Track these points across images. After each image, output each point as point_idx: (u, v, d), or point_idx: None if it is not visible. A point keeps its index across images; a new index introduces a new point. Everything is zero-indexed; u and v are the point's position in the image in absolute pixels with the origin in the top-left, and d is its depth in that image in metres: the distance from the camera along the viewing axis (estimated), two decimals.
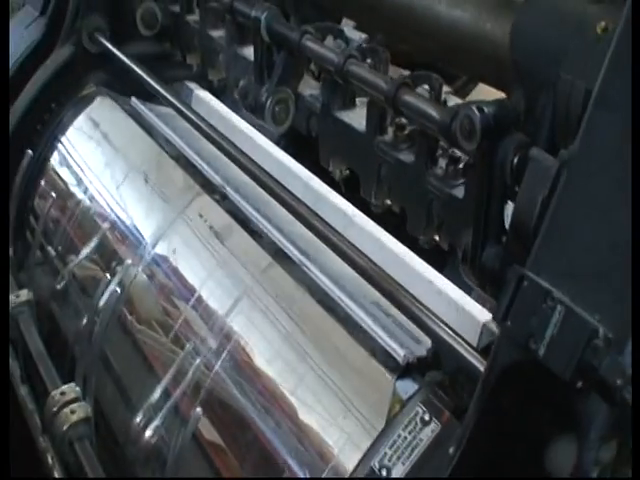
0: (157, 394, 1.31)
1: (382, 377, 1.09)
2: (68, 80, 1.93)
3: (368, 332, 1.14)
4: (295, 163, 1.47)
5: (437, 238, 1.21)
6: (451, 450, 0.91)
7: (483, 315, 1.07)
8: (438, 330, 1.06)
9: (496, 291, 1.03)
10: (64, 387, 1.48)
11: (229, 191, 1.48)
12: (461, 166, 1.15)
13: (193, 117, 1.58)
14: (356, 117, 1.35)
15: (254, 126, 1.59)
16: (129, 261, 1.51)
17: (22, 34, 2.09)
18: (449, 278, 1.17)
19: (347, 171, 1.39)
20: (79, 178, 1.79)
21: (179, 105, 1.62)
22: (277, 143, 1.55)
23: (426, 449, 1.00)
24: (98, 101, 1.90)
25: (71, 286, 1.66)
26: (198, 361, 1.29)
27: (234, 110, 1.67)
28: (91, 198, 1.72)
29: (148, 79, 1.72)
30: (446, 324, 1.06)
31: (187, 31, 1.82)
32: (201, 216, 1.49)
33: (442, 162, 1.18)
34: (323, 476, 1.07)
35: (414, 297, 1.11)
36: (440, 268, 1.20)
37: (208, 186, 1.53)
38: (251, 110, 1.52)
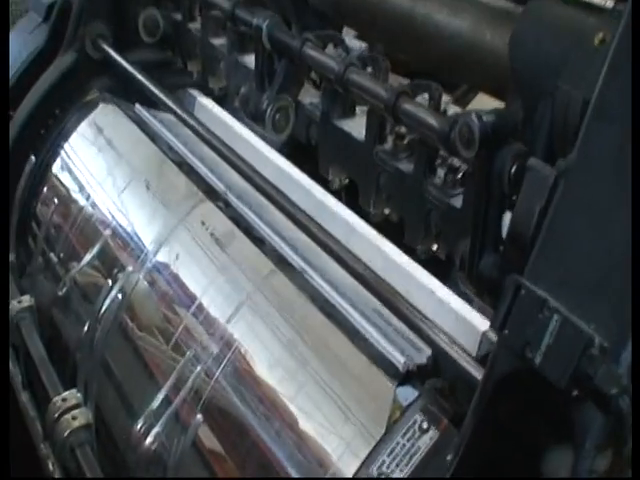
0: (158, 401, 1.32)
1: (382, 384, 1.09)
2: (71, 86, 1.93)
3: (368, 339, 1.14)
4: (297, 171, 1.47)
5: (435, 248, 1.22)
6: (449, 457, 0.92)
7: (483, 324, 1.07)
8: (436, 339, 1.07)
9: (493, 300, 1.04)
10: (65, 393, 1.48)
11: (231, 198, 1.48)
12: (459, 176, 1.16)
13: (195, 124, 1.59)
14: (356, 126, 1.36)
15: (256, 134, 1.60)
16: (130, 268, 1.51)
17: (25, 40, 2.10)
18: (450, 288, 1.18)
19: (346, 180, 1.40)
20: (81, 184, 1.79)
21: (181, 113, 1.63)
22: (280, 151, 1.56)
23: (424, 456, 1.00)
24: (102, 107, 1.90)
25: (73, 292, 1.66)
26: (199, 368, 1.29)
27: (237, 117, 1.67)
28: (93, 205, 1.72)
29: (150, 86, 1.73)
30: (445, 333, 1.07)
31: (188, 39, 1.83)
32: (203, 223, 1.49)
33: (441, 172, 1.19)
34: None
35: (413, 306, 1.11)
36: (442, 277, 1.21)
37: (210, 193, 1.53)
38: (251, 117, 1.53)
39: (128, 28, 1.94)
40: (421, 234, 1.21)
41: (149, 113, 1.78)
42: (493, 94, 1.22)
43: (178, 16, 1.87)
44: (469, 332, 1.08)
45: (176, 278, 1.44)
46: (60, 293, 1.68)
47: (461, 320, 1.10)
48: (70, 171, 1.85)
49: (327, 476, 1.08)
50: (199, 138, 1.58)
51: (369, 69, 1.34)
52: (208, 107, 1.76)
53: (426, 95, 1.23)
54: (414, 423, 1.01)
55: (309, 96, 1.49)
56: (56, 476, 1.47)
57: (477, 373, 1.00)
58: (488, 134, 1.03)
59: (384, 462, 1.01)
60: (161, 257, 1.49)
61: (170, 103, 1.67)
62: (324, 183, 1.44)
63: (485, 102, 1.31)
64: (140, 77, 1.77)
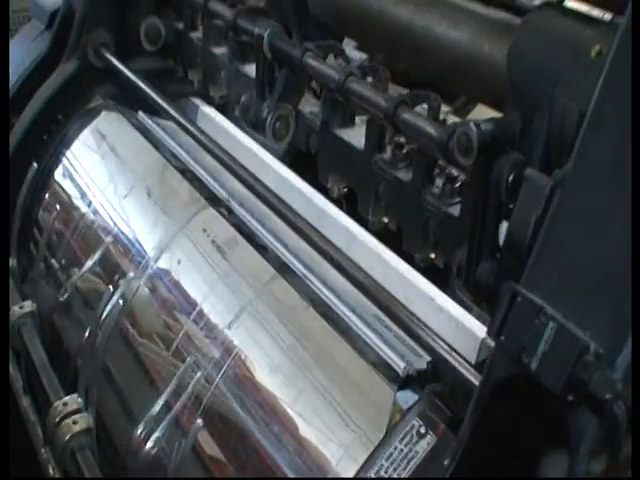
0: (158, 406, 1.32)
1: (382, 389, 1.10)
2: (74, 94, 1.94)
3: (369, 345, 1.15)
4: (299, 179, 1.48)
5: (433, 256, 1.23)
6: (446, 462, 0.93)
7: (482, 331, 1.08)
8: (435, 345, 1.08)
9: (490, 306, 1.05)
10: (66, 398, 1.48)
11: (233, 205, 1.50)
12: (457, 185, 1.18)
13: (197, 133, 1.60)
14: (355, 135, 1.38)
15: (258, 142, 1.61)
16: (132, 274, 1.52)
17: (28, 47, 2.11)
18: (450, 295, 1.19)
19: (345, 189, 1.42)
20: (83, 191, 1.80)
21: (183, 121, 1.64)
22: (281, 160, 1.57)
23: (422, 461, 1.01)
24: (105, 114, 1.91)
25: (74, 298, 1.67)
26: (199, 374, 1.30)
27: (239, 126, 1.68)
28: (95, 211, 1.73)
29: (153, 95, 1.74)
30: (444, 340, 1.08)
31: (190, 47, 1.85)
32: (204, 230, 1.50)
33: (439, 181, 1.21)
34: None
35: (412, 313, 1.13)
36: (441, 285, 1.22)
37: (212, 200, 1.55)
38: (252, 126, 1.54)
39: (130, 36, 1.95)
40: (419, 242, 1.23)
41: (152, 120, 1.80)
42: (492, 105, 1.23)
43: (180, 25, 1.89)
44: (469, 339, 1.09)
45: (177, 285, 1.45)
46: (61, 299, 1.69)
47: (461, 327, 1.12)
48: (72, 178, 1.86)
49: None
50: (201, 146, 1.59)
51: (369, 79, 1.36)
52: (210, 116, 1.77)
53: (425, 105, 1.25)
54: (412, 428, 1.02)
55: (309, 105, 1.50)
56: None
57: (475, 380, 1.01)
58: (486, 142, 1.04)
59: (382, 466, 1.02)
60: (162, 263, 1.50)
61: (172, 111, 1.68)
62: (325, 191, 1.46)
63: (484, 113, 1.32)
64: (143, 85, 1.78)
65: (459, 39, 1.21)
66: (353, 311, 1.21)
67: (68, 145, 1.90)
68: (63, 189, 1.87)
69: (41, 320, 1.72)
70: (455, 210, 1.16)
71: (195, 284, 1.44)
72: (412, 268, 1.25)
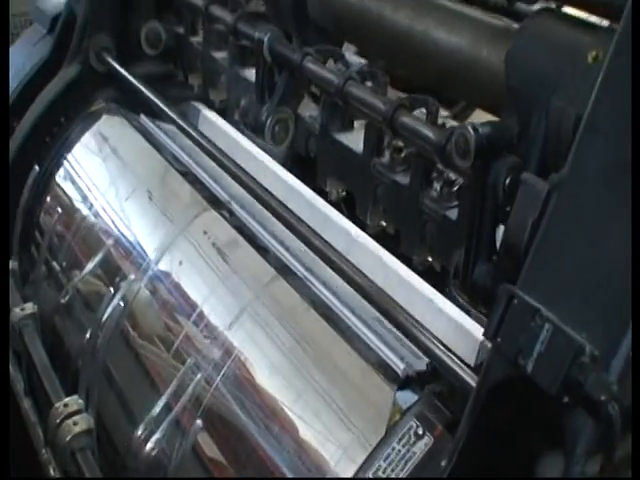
0: (158, 408, 1.33)
1: (381, 390, 1.11)
2: (75, 98, 1.95)
3: (369, 346, 1.16)
4: (300, 183, 1.49)
5: (430, 259, 1.24)
6: (443, 463, 0.94)
7: (481, 333, 1.09)
8: (433, 348, 1.09)
9: (487, 308, 1.06)
10: (67, 399, 1.49)
11: (234, 207, 1.51)
12: (455, 189, 1.19)
13: (198, 137, 1.61)
14: (354, 139, 1.39)
15: (260, 146, 1.61)
16: (132, 276, 1.53)
17: (30, 51, 2.12)
18: (449, 298, 1.19)
19: (343, 192, 1.43)
20: (84, 194, 1.81)
21: (184, 125, 1.65)
22: (282, 163, 1.57)
23: (419, 462, 1.02)
24: (107, 117, 1.92)
25: (75, 300, 1.68)
26: (199, 376, 1.31)
27: (240, 130, 1.69)
28: (96, 214, 1.74)
29: (154, 99, 1.75)
30: (442, 342, 1.09)
31: (190, 52, 1.86)
32: (205, 232, 1.51)
33: (437, 185, 1.22)
34: None
35: (411, 315, 1.13)
36: (440, 288, 1.23)
37: (213, 202, 1.56)
38: (251, 129, 1.56)
39: (131, 41, 1.96)
40: (417, 245, 1.24)
41: (154, 124, 1.81)
42: (490, 110, 1.24)
43: (180, 29, 1.90)
44: (468, 341, 1.09)
45: (177, 287, 1.46)
46: (63, 301, 1.70)
47: (460, 329, 1.12)
48: (73, 181, 1.87)
49: None
50: (202, 150, 1.60)
51: (368, 83, 1.37)
52: (212, 119, 1.77)
53: (424, 110, 1.26)
54: (409, 429, 1.03)
55: (308, 109, 1.52)
56: None
57: (474, 382, 1.01)
58: (483, 145, 1.05)
59: (380, 467, 1.03)
60: (163, 266, 1.51)
61: (173, 115, 1.69)
62: (325, 195, 1.46)
63: (483, 118, 1.32)
64: (144, 90, 1.79)
65: (458, 44, 1.22)
66: (353, 312, 1.22)
67: (70, 148, 1.90)
68: (64, 192, 1.87)
69: (42, 322, 1.73)
70: (453, 214, 1.17)
71: (195, 286, 1.45)
72: (412, 271, 1.26)
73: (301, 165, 1.53)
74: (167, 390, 1.34)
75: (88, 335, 1.56)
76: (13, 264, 1.87)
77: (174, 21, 1.93)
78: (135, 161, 1.79)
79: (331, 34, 1.53)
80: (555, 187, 0.88)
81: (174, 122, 1.69)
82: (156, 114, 1.80)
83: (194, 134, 1.62)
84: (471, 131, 1.05)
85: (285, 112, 1.50)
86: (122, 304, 1.51)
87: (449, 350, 1.07)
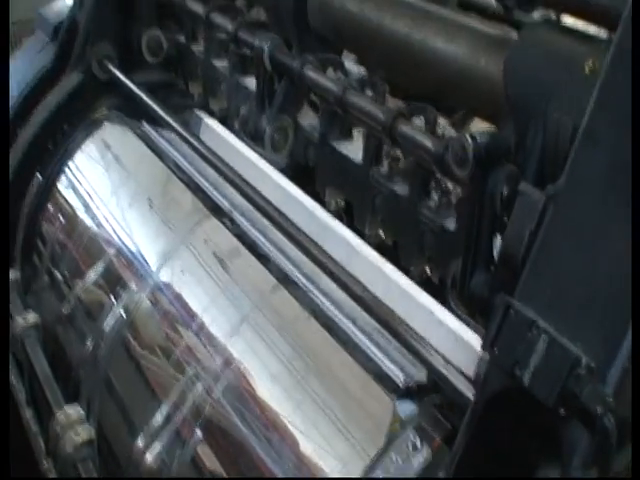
0: (159, 418, 1.34)
1: (381, 400, 1.11)
2: (78, 105, 1.96)
3: (370, 357, 1.16)
4: (301, 192, 1.49)
5: (428, 270, 1.24)
6: (441, 475, 0.94)
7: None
8: (431, 359, 1.09)
9: (484, 318, 1.06)
10: (68, 409, 1.50)
11: (235, 215, 1.51)
12: (453, 199, 1.19)
13: (199, 146, 1.61)
14: (353, 148, 1.39)
15: (261, 155, 1.62)
16: (134, 286, 1.54)
17: (33, 59, 2.13)
18: (449, 309, 1.19)
19: (342, 202, 1.43)
20: (87, 203, 1.82)
21: (185, 134, 1.66)
22: (283, 172, 1.58)
23: (417, 474, 1.02)
24: (110, 124, 1.93)
25: (77, 310, 1.68)
26: (199, 386, 1.31)
27: (242, 139, 1.69)
28: (98, 223, 1.75)
29: (156, 107, 1.76)
30: (440, 354, 1.09)
31: (191, 60, 1.86)
32: (205, 241, 1.52)
33: (435, 195, 1.22)
34: None
35: (410, 327, 1.13)
36: (441, 300, 1.22)
37: (214, 210, 1.57)
38: (251, 137, 1.56)
39: (133, 49, 1.97)
40: (415, 255, 1.24)
41: (155, 131, 1.81)
42: (488, 119, 1.24)
43: (181, 37, 1.90)
44: (468, 353, 1.09)
45: (178, 297, 1.47)
46: (64, 310, 1.70)
47: (460, 341, 1.12)
48: (75, 189, 1.87)
49: None
50: (203, 159, 1.61)
51: (368, 92, 1.37)
52: (213, 128, 1.78)
53: (423, 118, 1.26)
54: (407, 441, 1.03)
55: (308, 118, 1.52)
56: None
57: (471, 394, 1.01)
58: (481, 154, 1.06)
59: (382, 478, 1.03)
60: (164, 276, 1.52)
61: (175, 124, 1.69)
62: (325, 204, 1.47)
63: (482, 127, 1.33)
64: (145, 98, 1.80)
65: (456, 53, 1.22)
66: (354, 323, 1.22)
67: (72, 156, 1.91)
68: (66, 200, 1.88)
69: (44, 331, 1.74)
70: (450, 224, 1.17)
71: (196, 296, 1.45)
72: (412, 282, 1.26)
73: (303, 175, 1.53)
74: (167, 400, 1.34)
75: (89, 345, 1.57)
76: (15, 273, 1.88)
77: (175, 29, 1.93)
78: (137, 169, 1.80)
79: (331, 43, 1.53)
80: (552, 198, 0.89)
81: (175, 131, 1.69)
82: (158, 122, 1.80)
83: (195, 143, 1.63)
84: (469, 140, 1.06)
85: (285, 120, 1.50)
86: (123, 314, 1.52)
87: (447, 362, 1.07)
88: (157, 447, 1.31)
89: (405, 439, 1.03)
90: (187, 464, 1.27)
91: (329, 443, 1.13)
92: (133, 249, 1.62)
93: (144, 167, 1.80)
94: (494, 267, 1.07)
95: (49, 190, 1.91)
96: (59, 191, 1.90)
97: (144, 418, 1.36)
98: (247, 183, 1.48)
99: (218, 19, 1.67)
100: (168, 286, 1.50)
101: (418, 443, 1.02)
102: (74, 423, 1.46)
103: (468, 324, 1.14)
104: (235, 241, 1.48)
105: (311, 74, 1.41)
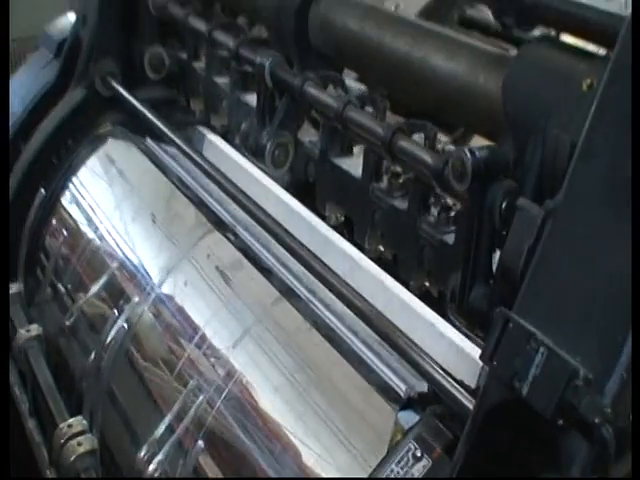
0: (161, 429, 1.34)
1: (383, 411, 1.12)
2: (81, 122, 1.97)
3: (372, 368, 1.17)
4: (303, 207, 1.50)
5: (427, 284, 1.25)
6: None
7: None
8: (432, 371, 1.10)
9: (483, 331, 1.07)
10: (71, 420, 1.51)
11: (238, 230, 1.52)
12: (452, 214, 1.20)
13: (202, 162, 1.63)
14: (353, 164, 1.41)
15: (264, 171, 1.63)
16: (136, 299, 1.55)
17: (37, 75, 2.14)
18: (451, 322, 1.20)
19: (342, 217, 1.44)
20: (90, 217, 1.83)
21: (188, 150, 1.67)
22: (286, 189, 1.59)
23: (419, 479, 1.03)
24: (114, 140, 1.94)
25: (80, 322, 1.69)
26: (201, 398, 1.32)
27: (245, 155, 1.70)
28: (101, 237, 1.76)
29: (159, 124, 1.77)
30: (441, 366, 1.10)
31: (192, 77, 1.88)
32: (208, 256, 1.53)
33: (434, 210, 1.23)
34: None
35: (411, 340, 1.14)
36: (442, 313, 1.23)
37: (217, 224, 1.58)
38: (251, 153, 1.58)
39: (135, 65, 1.98)
40: (414, 270, 1.25)
41: (160, 147, 1.83)
42: (487, 136, 1.25)
43: (183, 55, 1.92)
44: (469, 365, 1.10)
45: (180, 310, 1.48)
46: (67, 323, 1.71)
47: (461, 353, 1.13)
48: (79, 203, 1.89)
49: None
50: (206, 176, 1.62)
51: (368, 109, 1.39)
52: (216, 144, 1.79)
53: (422, 135, 1.28)
54: (408, 451, 1.04)
55: (308, 135, 1.53)
56: None
57: (471, 405, 1.02)
58: (480, 168, 1.07)
59: (385, 478, 1.04)
60: (166, 289, 1.53)
61: (178, 140, 1.71)
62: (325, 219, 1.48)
63: (483, 143, 1.34)
64: (149, 115, 1.81)
65: (455, 71, 1.23)
66: (355, 335, 1.23)
67: (75, 171, 1.93)
68: (70, 214, 1.89)
69: (47, 343, 1.75)
70: (450, 238, 1.19)
71: (198, 309, 1.46)
72: (413, 295, 1.27)
73: (305, 190, 1.55)
74: (170, 412, 1.35)
75: (92, 357, 1.57)
76: (19, 286, 1.89)
77: (177, 47, 1.95)
78: (140, 184, 1.82)
79: (332, 61, 1.55)
80: (550, 213, 0.90)
81: (178, 147, 1.70)
82: (161, 138, 1.82)
83: (198, 159, 1.64)
84: (468, 154, 1.07)
85: (285, 136, 1.52)
86: (126, 326, 1.53)
87: (448, 374, 1.08)
88: (159, 458, 1.32)
89: (406, 449, 1.04)
90: (189, 475, 1.28)
91: (331, 454, 1.14)
92: (136, 262, 1.64)
93: (148, 181, 1.81)
94: (493, 281, 1.08)
95: (53, 204, 1.92)
96: (63, 205, 1.92)
97: (147, 429, 1.37)
98: (249, 198, 1.49)
99: (220, 36, 1.68)
100: (170, 299, 1.51)
101: (419, 453, 1.03)
102: (77, 433, 1.47)
103: (469, 337, 1.16)
104: (237, 255, 1.49)
105: (312, 91, 1.42)
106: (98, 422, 1.52)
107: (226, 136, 1.79)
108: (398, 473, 1.03)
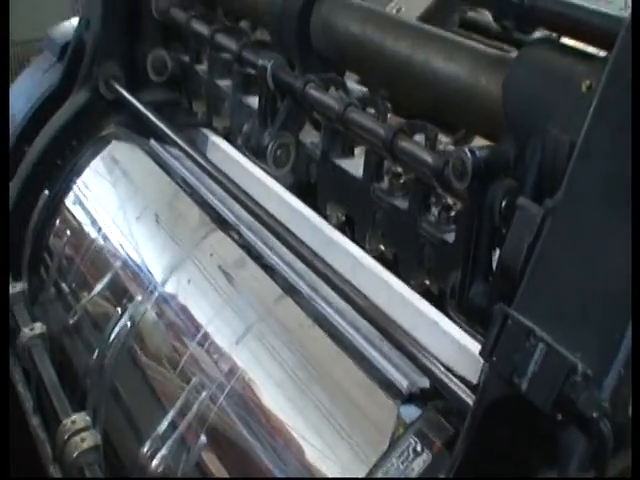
0: (164, 425, 1.35)
1: (385, 406, 1.13)
2: (85, 124, 1.99)
3: (374, 364, 1.18)
4: (307, 208, 1.51)
5: (427, 282, 1.26)
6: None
7: None
8: (432, 367, 1.11)
9: (483, 328, 1.08)
10: (75, 416, 1.52)
11: (241, 228, 1.53)
12: (453, 214, 1.21)
13: (205, 164, 1.64)
14: (354, 165, 1.42)
15: (268, 172, 1.63)
16: (139, 298, 1.56)
17: (41, 78, 2.15)
18: (453, 319, 1.21)
19: (343, 217, 1.45)
20: (93, 217, 1.84)
21: (192, 152, 1.68)
22: (289, 189, 1.59)
23: (418, 478, 1.03)
24: (118, 141, 1.95)
25: (83, 321, 1.70)
26: (203, 394, 1.33)
27: (248, 156, 1.71)
28: (104, 237, 1.77)
29: (162, 126, 1.78)
30: (441, 362, 1.11)
31: (195, 80, 1.89)
32: (211, 255, 1.54)
33: (435, 210, 1.25)
34: None
35: (411, 336, 1.16)
36: (445, 310, 1.24)
37: (220, 223, 1.59)
38: (253, 153, 1.59)
39: (138, 68, 1.99)
40: (415, 269, 1.26)
41: (163, 148, 1.84)
42: (488, 137, 1.26)
43: (186, 58, 1.93)
44: (471, 362, 1.10)
45: (183, 308, 1.49)
46: (71, 321, 1.72)
47: (464, 350, 1.14)
48: (83, 204, 1.90)
49: None
50: (210, 178, 1.63)
51: (370, 110, 1.40)
52: (220, 145, 1.80)
53: (423, 136, 1.29)
54: (408, 446, 1.05)
55: (310, 136, 1.55)
56: None
57: (471, 401, 1.03)
58: (480, 167, 1.08)
59: (382, 478, 1.05)
60: (169, 288, 1.54)
61: (181, 142, 1.72)
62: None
63: (485, 144, 1.35)
64: (152, 117, 1.82)
65: (456, 73, 1.25)
66: (358, 331, 1.24)
67: (79, 172, 1.94)
68: (74, 215, 1.90)
69: (51, 341, 1.76)
70: (450, 237, 1.20)
71: (201, 307, 1.47)
72: (416, 293, 1.28)
73: (308, 191, 1.56)
74: (172, 408, 1.36)
75: (96, 354, 1.58)
76: (23, 285, 1.89)
77: (180, 50, 1.96)
78: (144, 184, 1.83)
79: (334, 64, 1.56)
80: (550, 211, 0.91)
81: (182, 149, 1.72)
82: (165, 140, 1.83)
83: (201, 160, 1.65)
84: (468, 154, 1.08)
85: (287, 137, 1.53)
86: (129, 324, 1.54)
87: (449, 370, 1.09)
88: (162, 453, 1.33)
89: (406, 443, 1.05)
90: (192, 470, 1.29)
91: (332, 449, 1.15)
92: (139, 262, 1.65)
93: (151, 182, 1.82)
94: (493, 278, 1.09)
95: (57, 204, 1.93)
96: (67, 205, 1.93)
97: (150, 425, 1.38)
98: (252, 199, 1.50)
99: (222, 39, 1.69)
100: (173, 297, 1.52)
101: (419, 447, 1.04)
102: (80, 429, 1.47)
103: (471, 334, 1.16)
104: (240, 253, 1.50)
105: (313, 92, 1.43)
106: (101, 418, 1.53)
107: (228, 138, 1.79)
108: (399, 467, 1.04)
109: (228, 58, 1.70)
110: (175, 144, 1.75)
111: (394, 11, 1.69)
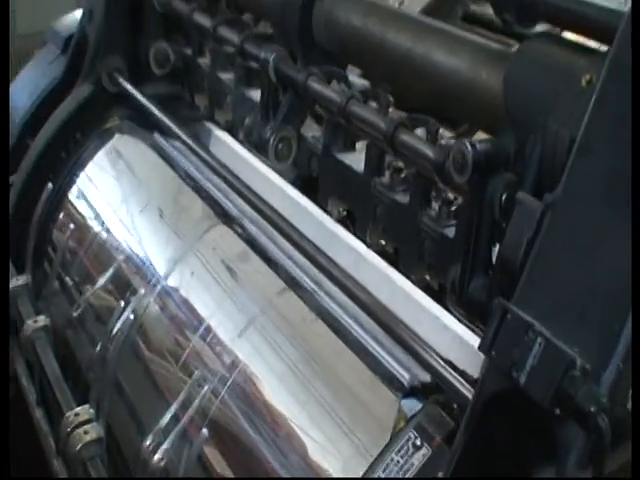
0: (166, 418, 1.36)
1: (387, 400, 1.13)
2: (88, 117, 1.99)
3: (376, 358, 1.19)
4: (309, 202, 1.51)
5: (428, 277, 1.27)
6: (440, 474, 0.97)
7: None
8: (433, 361, 1.11)
9: (482, 322, 1.08)
10: (78, 409, 1.53)
11: (245, 223, 1.54)
12: (453, 208, 1.22)
13: (208, 157, 1.64)
14: (355, 159, 1.42)
15: (270, 166, 1.64)
16: (142, 291, 1.57)
17: (44, 71, 2.16)
18: (454, 314, 1.21)
19: (344, 211, 1.46)
20: (97, 211, 1.85)
21: (195, 146, 1.69)
22: (292, 183, 1.60)
23: (417, 473, 1.04)
24: (121, 134, 1.96)
25: (87, 314, 1.71)
26: (206, 388, 1.34)
27: (251, 150, 1.71)
28: (108, 230, 1.78)
29: (165, 119, 1.78)
30: (442, 357, 1.11)
31: (197, 73, 1.89)
32: (214, 249, 1.55)
33: (435, 205, 1.25)
34: None
35: (412, 331, 1.16)
36: (443, 305, 1.24)
37: (223, 217, 1.60)
38: (255, 146, 1.59)
39: (141, 61, 2.00)
40: (415, 263, 1.27)
41: (167, 141, 1.84)
42: (488, 131, 1.26)
43: (188, 51, 1.94)
44: (473, 357, 1.10)
45: (186, 301, 1.50)
46: (74, 314, 1.73)
47: (466, 345, 1.14)
48: (87, 197, 1.90)
49: None
50: (213, 172, 1.64)
51: (372, 104, 1.40)
52: (223, 139, 1.80)
53: (425, 130, 1.29)
54: (408, 440, 1.05)
55: (311, 130, 1.55)
56: None
57: (471, 395, 1.03)
58: (481, 160, 1.08)
59: (379, 478, 1.05)
60: (172, 281, 1.55)
61: (184, 136, 1.72)
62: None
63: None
64: (155, 110, 1.83)
65: (457, 66, 1.24)
66: (360, 326, 1.25)
67: (83, 165, 1.94)
68: (77, 208, 1.91)
69: (54, 334, 1.77)
70: (450, 232, 1.20)
71: (203, 301, 1.48)
72: (418, 288, 1.28)
73: (311, 185, 1.56)
74: (175, 401, 1.37)
75: (99, 347, 1.59)
76: (26, 278, 1.90)
77: (182, 42, 1.96)
78: (148, 178, 1.83)
79: (336, 57, 1.56)
80: (549, 206, 0.91)
81: (184, 143, 1.72)
82: (168, 133, 1.83)
83: (204, 154, 1.66)
84: (468, 147, 1.09)
85: (288, 131, 1.53)
86: (132, 318, 1.55)
87: (450, 364, 1.10)
88: (165, 447, 1.34)
89: (406, 438, 1.06)
90: (194, 463, 1.30)
91: (333, 443, 1.15)
92: (142, 255, 1.66)
93: (155, 176, 1.83)
94: (492, 272, 1.10)
95: (60, 198, 1.93)
96: (70, 199, 1.93)
97: (152, 419, 1.38)
98: (255, 193, 1.51)
99: (225, 32, 1.69)
100: (176, 291, 1.53)
101: (418, 442, 1.05)
102: (83, 422, 1.48)
103: (473, 329, 1.17)
104: (243, 247, 1.50)
105: (315, 85, 1.44)
106: (104, 411, 1.54)
107: (231, 131, 1.80)
108: (398, 462, 1.04)
109: (230, 51, 1.70)
110: (178, 138, 1.75)
111: (397, 4, 1.68)
